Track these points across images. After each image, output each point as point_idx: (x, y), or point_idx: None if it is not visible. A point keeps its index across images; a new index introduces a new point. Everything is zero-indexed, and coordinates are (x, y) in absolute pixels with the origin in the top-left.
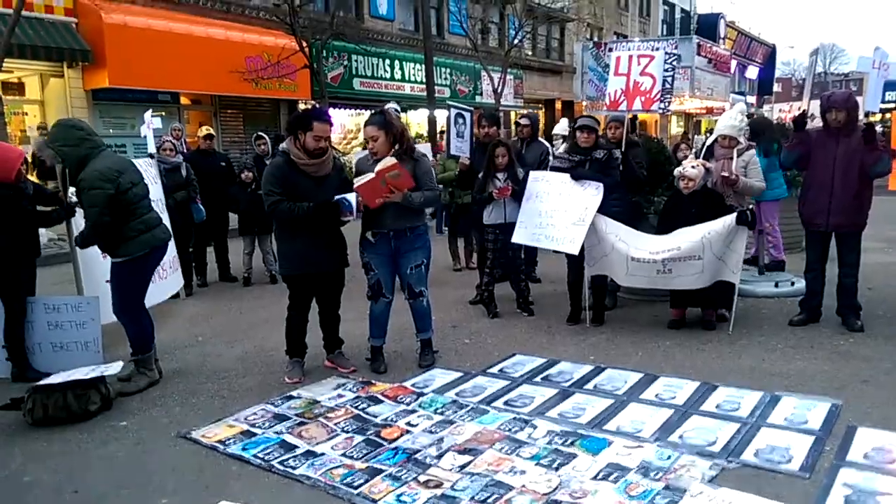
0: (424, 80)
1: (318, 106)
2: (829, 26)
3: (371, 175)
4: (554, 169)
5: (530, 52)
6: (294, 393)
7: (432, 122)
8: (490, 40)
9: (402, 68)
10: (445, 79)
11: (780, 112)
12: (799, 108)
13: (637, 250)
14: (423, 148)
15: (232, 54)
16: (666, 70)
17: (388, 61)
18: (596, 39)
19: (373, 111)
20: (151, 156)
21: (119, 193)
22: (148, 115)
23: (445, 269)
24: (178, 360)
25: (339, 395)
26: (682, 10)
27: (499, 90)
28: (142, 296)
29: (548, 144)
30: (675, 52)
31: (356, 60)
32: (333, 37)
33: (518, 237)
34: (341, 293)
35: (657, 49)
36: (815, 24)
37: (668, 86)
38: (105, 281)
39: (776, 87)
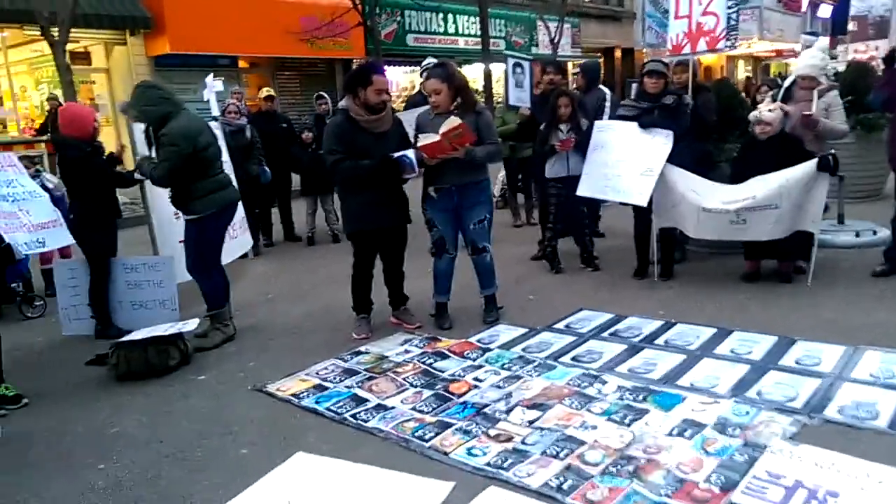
0: (479, 32)
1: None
2: None
3: (435, 137)
4: (620, 117)
5: None
6: (362, 348)
7: (487, 75)
8: None
9: (455, 22)
10: (500, 30)
11: (855, 53)
12: (877, 48)
13: (709, 200)
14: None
15: (287, 15)
16: (729, 7)
17: (441, 15)
18: None
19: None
20: (215, 119)
21: (197, 152)
22: (210, 78)
23: (505, 226)
24: (249, 318)
25: (407, 351)
26: None
27: (555, 40)
28: (215, 253)
29: (606, 91)
30: None
31: (409, 16)
32: None
33: (583, 190)
34: (405, 250)
35: None
36: None
37: (733, 22)
38: (179, 241)
39: (851, 27)
